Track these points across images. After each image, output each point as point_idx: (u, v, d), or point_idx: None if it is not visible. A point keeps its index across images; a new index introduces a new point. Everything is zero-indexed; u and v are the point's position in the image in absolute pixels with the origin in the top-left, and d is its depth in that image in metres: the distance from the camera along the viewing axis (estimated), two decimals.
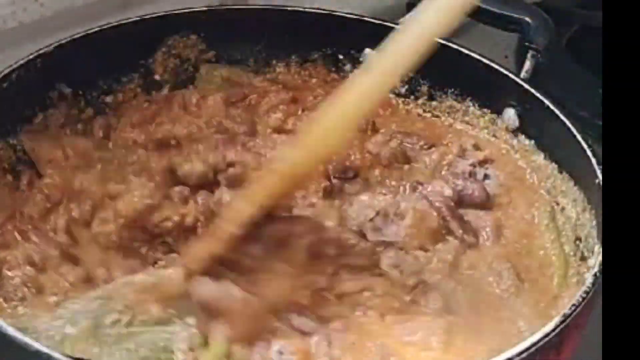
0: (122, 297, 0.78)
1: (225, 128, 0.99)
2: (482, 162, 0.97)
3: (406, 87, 1.06)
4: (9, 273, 0.81)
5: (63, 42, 0.95)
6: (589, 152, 0.87)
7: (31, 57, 0.93)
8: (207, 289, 0.77)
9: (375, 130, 1.01)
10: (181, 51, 1.05)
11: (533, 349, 0.70)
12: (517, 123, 0.99)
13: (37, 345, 0.68)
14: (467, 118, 1.03)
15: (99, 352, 0.74)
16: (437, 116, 1.05)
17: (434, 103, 1.05)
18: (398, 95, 1.06)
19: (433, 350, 0.77)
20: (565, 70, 1.21)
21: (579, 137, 0.89)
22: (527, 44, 1.03)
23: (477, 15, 1.08)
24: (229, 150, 0.93)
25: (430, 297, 0.81)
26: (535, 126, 0.97)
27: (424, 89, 1.05)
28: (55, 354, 0.68)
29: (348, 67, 1.07)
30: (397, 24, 1.05)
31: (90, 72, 0.99)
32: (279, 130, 1.00)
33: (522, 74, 0.99)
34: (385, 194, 0.92)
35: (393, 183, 0.95)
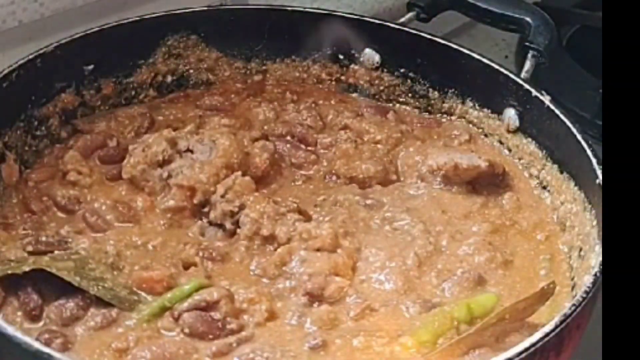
0: None
1: None
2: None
3: (406, 87, 1.06)
4: None
5: (63, 42, 0.95)
6: (589, 152, 0.87)
7: (31, 56, 0.93)
8: None
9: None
10: (181, 51, 1.05)
11: (532, 349, 0.69)
12: (517, 123, 0.98)
13: (37, 345, 0.68)
14: (467, 118, 1.03)
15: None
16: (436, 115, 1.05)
17: (433, 102, 1.05)
18: (398, 97, 1.07)
19: None
20: (566, 70, 1.20)
21: (579, 137, 0.89)
22: (527, 44, 1.02)
23: (477, 15, 1.08)
24: None
25: None
26: (535, 126, 0.97)
27: (424, 89, 1.05)
28: (56, 354, 0.68)
29: (348, 67, 1.07)
30: (397, 24, 1.05)
31: (90, 72, 0.99)
32: None
33: (523, 74, 0.99)
34: None
35: None
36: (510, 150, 1.00)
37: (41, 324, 0.79)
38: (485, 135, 1.02)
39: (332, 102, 1.06)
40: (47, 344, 0.74)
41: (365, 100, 1.07)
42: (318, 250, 0.85)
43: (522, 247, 0.90)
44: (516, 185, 0.97)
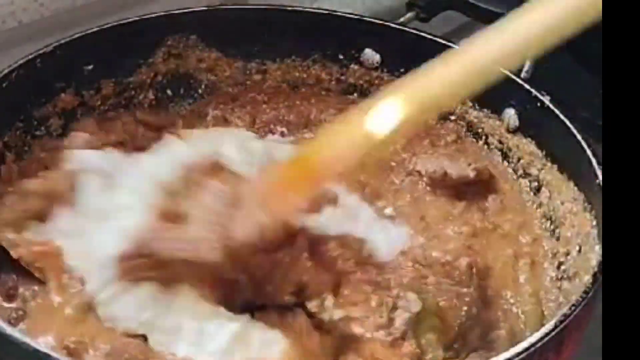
0: None
1: None
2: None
3: None
4: None
5: (63, 42, 0.95)
6: (589, 153, 0.87)
7: (31, 57, 0.93)
8: None
9: None
10: (181, 51, 1.05)
11: (531, 349, 0.69)
12: (517, 123, 0.98)
13: (34, 345, 0.68)
14: (466, 118, 1.03)
15: None
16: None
17: None
18: None
19: None
20: (566, 70, 1.20)
21: (579, 137, 0.89)
22: None
23: (477, 14, 1.08)
24: None
25: None
26: (535, 126, 0.97)
27: None
28: (54, 354, 0.68)
29: (348, 67, 1.07)
30: (397, 24, 1.05)
31: (90, 72, 0.99)
32: None
33: (522, 74, 0.99)
34: None
35: None
36: (510, 150, 1.00)
37: (16, 303, 0.80)
38: (474, 135, 1.02)
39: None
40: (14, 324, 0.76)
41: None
42: None
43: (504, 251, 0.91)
44: (502, 187, 0.98)
